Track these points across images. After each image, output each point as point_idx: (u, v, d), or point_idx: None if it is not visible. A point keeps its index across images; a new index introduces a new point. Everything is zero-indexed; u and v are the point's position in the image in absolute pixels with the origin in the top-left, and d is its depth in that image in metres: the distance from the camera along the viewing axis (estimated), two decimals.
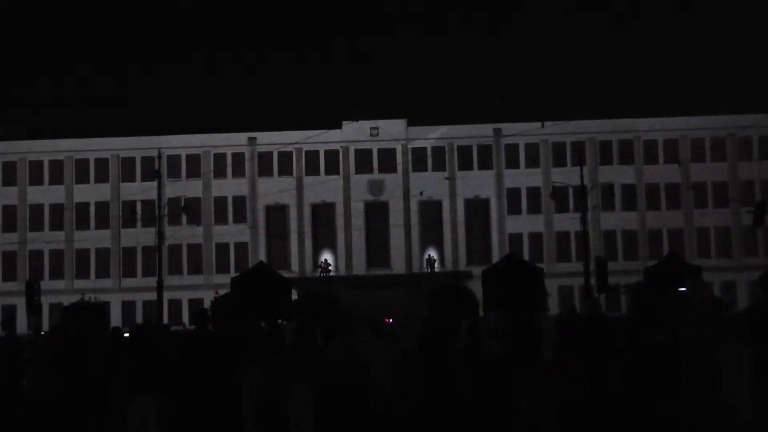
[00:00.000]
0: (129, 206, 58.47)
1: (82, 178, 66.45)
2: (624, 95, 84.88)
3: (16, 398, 15.24)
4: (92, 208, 65.96)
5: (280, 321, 25.06)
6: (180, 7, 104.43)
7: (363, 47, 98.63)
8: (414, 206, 66.23)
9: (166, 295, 54.44)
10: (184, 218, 60.29)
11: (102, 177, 66.42)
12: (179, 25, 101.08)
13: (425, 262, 65.63)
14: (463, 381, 9.08)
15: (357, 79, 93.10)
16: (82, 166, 66.69)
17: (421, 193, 65.80)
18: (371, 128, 66.17)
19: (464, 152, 66.27)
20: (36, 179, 66.56)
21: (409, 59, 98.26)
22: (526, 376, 9.66)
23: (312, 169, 66.73)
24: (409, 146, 66.62)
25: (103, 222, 65.66)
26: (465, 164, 66.11)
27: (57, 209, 65.94)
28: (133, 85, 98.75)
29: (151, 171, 54.09)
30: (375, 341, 12.68)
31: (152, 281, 54.66)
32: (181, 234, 63.76)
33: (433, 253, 66.01)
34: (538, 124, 66.47)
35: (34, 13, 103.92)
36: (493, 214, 66.08)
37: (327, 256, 66.12)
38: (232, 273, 56.97)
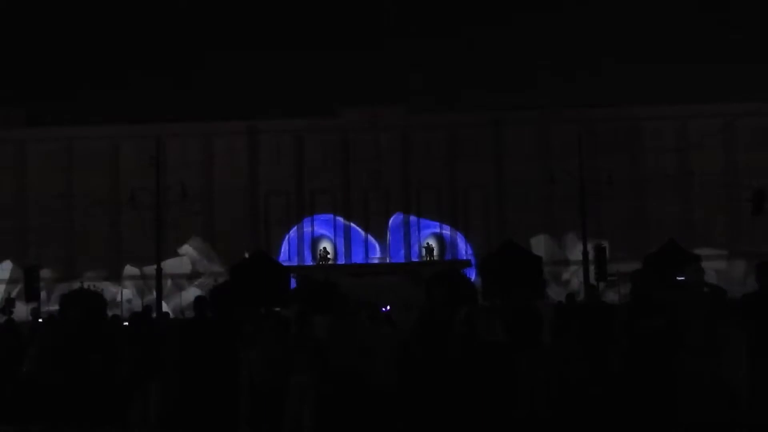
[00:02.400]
0: (128, 193, 58.34)
1: (80, 165, 66.33)
2: (624, 83, 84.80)
3: (15, 384, 15.30)
4: (91, 195, 65.87)
5: (279, 309, 25.10)
6: (172, 2, 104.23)
7: (364, 42, 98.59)
8: (413, 194, 66.24)
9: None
10: (182, 205, 60.24)
11: (100, 164, 66.31)
12: (178, 18, 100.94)
13: (424, 251, 65.67)
14: (461, 365, 9.11)
15: (356, 72, 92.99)
16: (80, 153, 66.59)
17: (419, 181, 65.83)
18: (370, 115, 66.16)
19: (463, 140, 66.21)
20: (35, 166, 66.46)
21: (409, 52, 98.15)
22: (525, 359, 9.70)
23: (311, 156, 66.63)
24: (409, 133, 66.58)
25: (101, 209, 65.61)
26: (464, 152, 66.04)
27: (56, 196, 65.87)
28: (133, 74, 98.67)
29: (149, 158, 54.00)
30: (373, 326, 12.72)
31: (151, 269, 54.72)
32: (180, 221, 63.74)
33: (431, 241, 66.06)
34: (538, 112, 66.55)
35: (34, 5, 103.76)
36: (493, 202, 66.08)
37: (326, 244, 66.16)
38: (232, 261, 56.97)
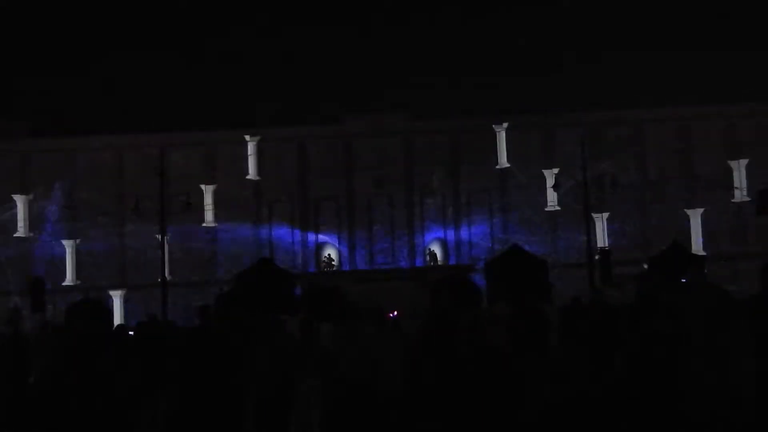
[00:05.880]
0: (132, 204, 58.37)
1: (84, 175, 66.49)
2: (626, 86, 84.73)
3: (22, 395, 15.32)
4: (95, 206, 65.96)
5: (285, 316, 25.10)
6: (181, 7, 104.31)
7: (364, 44, 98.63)
8: (417, 199, 66.27)
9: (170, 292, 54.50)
10: (187, 215, 60.22)
11: (104, 174, 66.47)
12: (179, 25, 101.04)
13: (428, 256, 65.66)
14: (467, 371, 9.12)
15: (357, 77, 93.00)
16: (84, 163, 66.75)
17: (424, 187, 65.90)
18: (373, 122, 66.27)
19: (466, 145, 66.22)
20: (38, 177, 66.59)
21: (409, 55, 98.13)
22: (531, 365, 9.71)
23: (314, 163, 66.73)
24: (411, 140, 66.65)
25: (105, 219, 65.70)
26: (467, 157, 66.04)
27: (60, 206, 66.01)
28: (135, 83, 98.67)
29: (153, 168, 54.04)
30: (380, 333, 12.73)
31: (156, 278, 54.76)
32: (185, 230, 63.79)
33: (436, 246, 66.06)
34: (541, 116, 66.55)
35: (34, 8, 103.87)
36: (498, 206, 66.09)
37: (330, 251, 66.18)
38: (236, 269, 57.01)
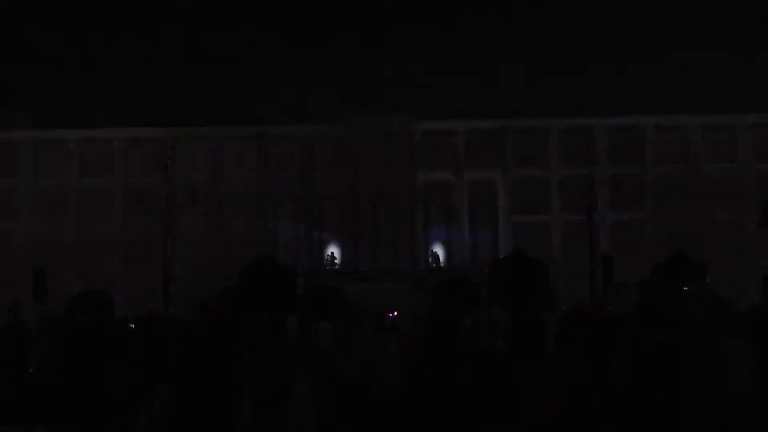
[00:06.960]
0: (136, 197, 58.39)
1: (90, 168, 66.58)
2: (634, 93, 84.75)
3: (20, 385, 15.33)
4: (98, 198, 66.04)
5: (286, 314, 25.08)
6: (182, 6, 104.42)
7: (369, 42, 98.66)
8: (420, 200, 66.26)
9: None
10: (192, 210, 60.22)
11: (110, 167, 66.56)
12: (189, 23, 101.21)
13: (430, 257, 65.64)
14: (464, 374, 9.13)
15: (363, 75, 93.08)
16: (90, 156, 66.84)
17: (426, 188, 65.90)
18: (378, 122, 66.27)
19: (472, 147, 66.22)
20: (44, 169, 66.74)
21: (416, 55, 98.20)
22: (527, 370, 9.71)
23: (319, 162, 66.72)
24: (416, 140, 66.63)
25: (109, 212, 65.77)
26: (472, 159, 66.04)
27: (65, 198, 66.11)
28: (140, 75, 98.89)
29: (159, 162, 54.11)
30: (377, 333, 12.75)
31: (159, 272, 54.80)
32: (189, 226, 63.83)
33: (438, 247, 66.02)
34: (546, 119, 66.53)
35: (44, 5, 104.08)
36: (501, 210, 66.04)
37: (333, 250, 66.18)
38: (239, 265, 56.86)
